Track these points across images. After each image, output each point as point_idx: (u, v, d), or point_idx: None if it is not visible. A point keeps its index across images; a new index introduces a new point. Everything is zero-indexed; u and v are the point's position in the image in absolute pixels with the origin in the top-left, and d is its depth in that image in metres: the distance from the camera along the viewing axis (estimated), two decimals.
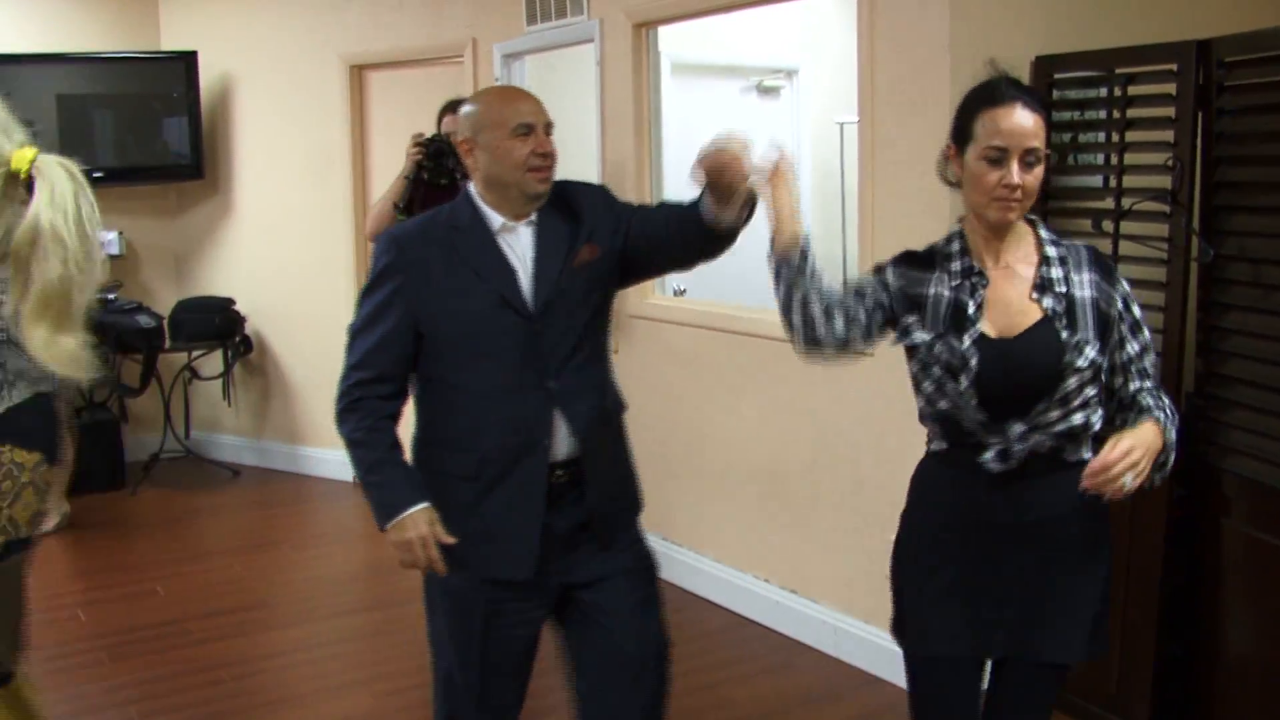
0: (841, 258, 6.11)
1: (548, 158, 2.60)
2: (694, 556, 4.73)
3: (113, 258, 6.80)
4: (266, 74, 6.71)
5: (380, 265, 2.60)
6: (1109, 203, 3.41)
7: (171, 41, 6.98)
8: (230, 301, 6.76)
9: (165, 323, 6.52)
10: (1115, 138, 3.45)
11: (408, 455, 2.65)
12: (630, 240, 2.70)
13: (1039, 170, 2.19)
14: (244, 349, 6.80)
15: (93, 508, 6.20)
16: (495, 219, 2.61)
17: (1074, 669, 2.37)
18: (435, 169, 4.79)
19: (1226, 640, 3.20)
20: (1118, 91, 3.39)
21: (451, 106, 5.05)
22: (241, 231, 6.91)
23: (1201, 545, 3.26)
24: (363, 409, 2.57)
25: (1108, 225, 3.38)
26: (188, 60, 6.69)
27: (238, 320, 6.74)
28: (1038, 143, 2.17)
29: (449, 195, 4.94)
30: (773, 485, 4.36)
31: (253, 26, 6.73)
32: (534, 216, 2.65)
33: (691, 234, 2.60)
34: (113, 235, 6.76)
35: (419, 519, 2.48)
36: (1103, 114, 3.49)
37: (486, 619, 2.64)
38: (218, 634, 4.49)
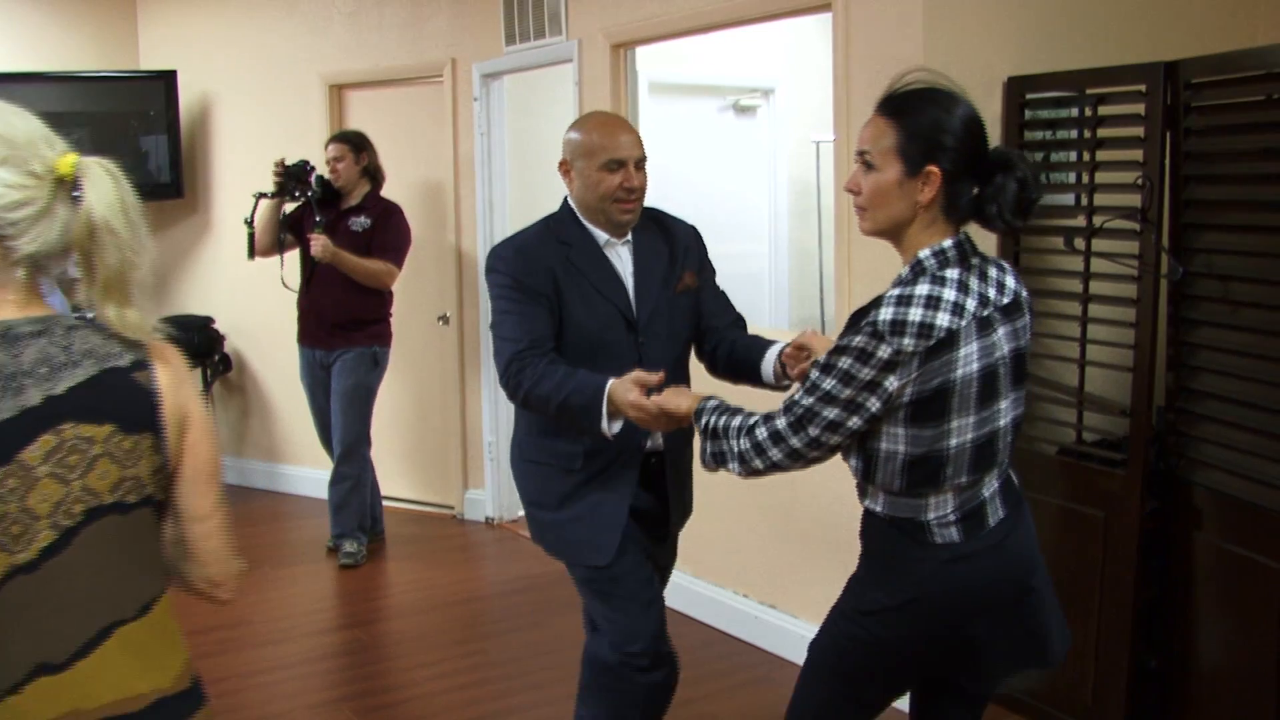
0: (818, 274, 6.17)
1: (633, 192, 2.80)
2: (673, 573, 4.75)
3: None
4: (246, 93, 6.72)
5: (513, 273, 2.76)
6: (1080, 220, 3.46)
7: (151, 61, 6.99)
8: (209, 320, 6.76)
9: None
10: (1086, 157, 3.50)
11: (508, 450, 3.03)
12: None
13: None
14: (223, 368, 6.80)
15: None
16: (600, 235, 2.84)
17: None
18: (285, 189, 5.36)
19: (1199, 651, 3.24)
20: (1088, 111, 3.45)
21: (335, 137, 5.44)
22: (220, 250, 6.90)
23: (1174, 558, 3.30)
24: (527, 363, 2.69)
25: (1079, 243, 3.43)
26: (167, 79, 6.70)
27: (217, 339, 6.74)
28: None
29: (308, 209, 5.28)
30: (751, 501, 4.39)
31: (232, 46, 6.75)
32: (630, 236, 2.87)
33: (742, 367, 2.87)
34: None
35: (615, 395, 2.54)
36: (1074, 133, 3.55)
37: (617, 577, 2.87)
38: (197, 652, 4.41)
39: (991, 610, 2.17)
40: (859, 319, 2.06)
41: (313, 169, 5.37)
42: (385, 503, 5.79)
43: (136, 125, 6.76)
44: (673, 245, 2.93)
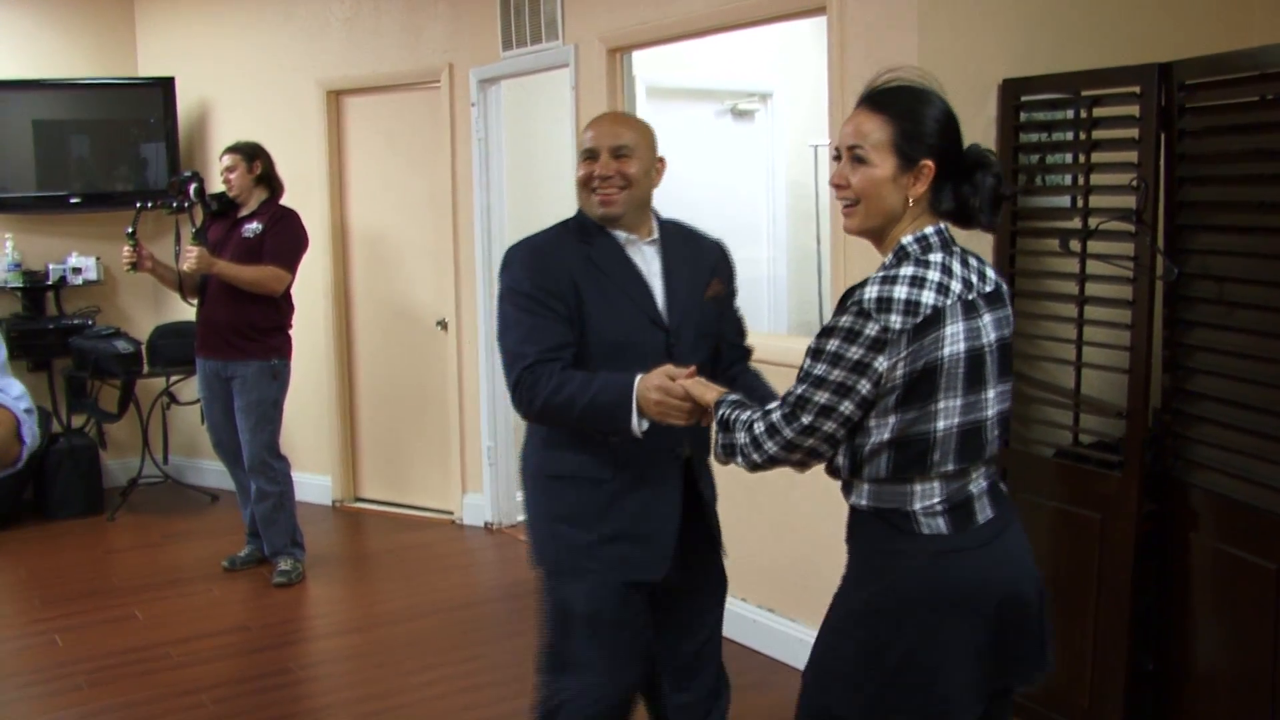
0: (816, 277, 6.18)
1: (604, 180, 2.71)
2: None
3: (90, 283, 6.80)
4: (244, 99, 6.73)
5: (528, 275, 2.65)
6: (1076, 223, 3.46)
7: (149, 67, 7.00)
8: None
9: (143, 348, 6.52)
10: (1081, 159, 3.50)
11: (506, 455, 2.76)
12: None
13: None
14: None
15: (71, 533, 6.19)
16: (619, 234, 2.75)
17: None
18: (166, 201, 5.56)
19: (1196, 653, 3.24)
20: (1083, 113, 3.45)
21: (228, 148, 5.40)
22: None
23: (1171, 560, 3.30)
24: (541, 373, 2.58)
25: (1075, 245, 3.43)
26: (165, 86, 6.72)
27: None
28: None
29: (209, 223, 5.31)
30: (749, 502, 4.39)
31: (230, 52, 6.76)
32: (656, 235, 2.80)
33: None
34: (90, 261, 6.76)
35: (643, 390, 2.46)
36: (1069, 135, 3.55)
37: (621, 621, 2.74)
38: (197, 658, 4.49)
39: (983, 611, 2.10)
40: (847, 299, 2.06)
41: (196, 181, 5.35)
42: (384, 508, 5.79)
43: (135, 132, 6.78)
44: (700, 254, 2.86)
